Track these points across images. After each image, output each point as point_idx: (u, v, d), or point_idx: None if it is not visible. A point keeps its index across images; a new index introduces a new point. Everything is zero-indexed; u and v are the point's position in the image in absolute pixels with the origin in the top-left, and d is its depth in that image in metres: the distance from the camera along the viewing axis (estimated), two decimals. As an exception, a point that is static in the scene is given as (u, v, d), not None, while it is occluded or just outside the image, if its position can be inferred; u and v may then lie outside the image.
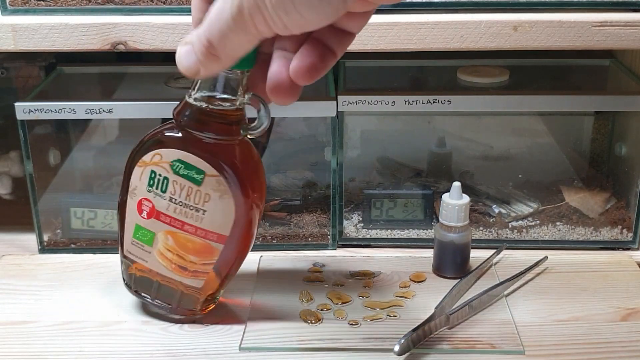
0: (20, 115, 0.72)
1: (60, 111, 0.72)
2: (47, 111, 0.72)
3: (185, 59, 0.49)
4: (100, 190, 0.82)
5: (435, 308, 0.62)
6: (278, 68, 0.48)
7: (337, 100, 0.72)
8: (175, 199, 0.58)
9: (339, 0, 0.40)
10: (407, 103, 0.72)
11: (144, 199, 0.59)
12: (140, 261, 0.61)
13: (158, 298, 0.62)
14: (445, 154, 0.83)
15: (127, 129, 0.84)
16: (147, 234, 0.60)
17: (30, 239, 0.78)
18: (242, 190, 0.57)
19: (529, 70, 0.85)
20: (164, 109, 0.73)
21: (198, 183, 0.57)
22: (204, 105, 0.56)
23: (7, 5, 0.67)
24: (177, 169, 0.57)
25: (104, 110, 0.72)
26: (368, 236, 0.78)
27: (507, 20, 0.65)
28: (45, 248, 0.77)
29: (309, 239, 0.77)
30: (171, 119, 0.58)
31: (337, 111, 0.72)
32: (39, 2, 0.68)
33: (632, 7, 0.67)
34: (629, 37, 0.66)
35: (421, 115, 0.83)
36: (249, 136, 0.58)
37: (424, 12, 0.66)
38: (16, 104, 0.72)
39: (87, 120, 0.84)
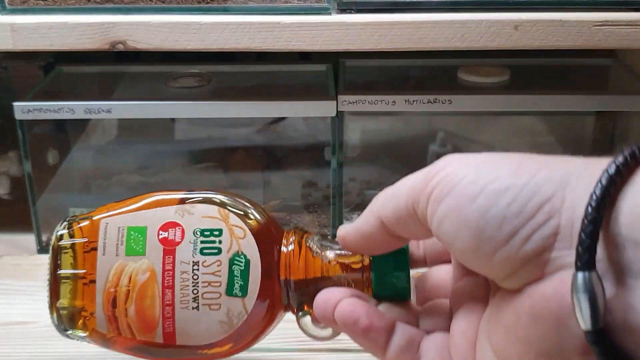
0: (18, 115, 0.72)
1: (59, 111, 0.72)
2: (46, 111, 0.72)
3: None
4: (100, 191, 0.82)
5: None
6: None
7: (337, 100, 0.72)
8: (197, 270, 0.44)
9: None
10: (407, 103, 0.72)
11: (181, 229, 0.45)
12: None
13: None
14: (445, 153, 0.83)
15: (126, 129, 0.84)
16: (139, 243, 0.45)
17: (29, 239, 0.77)
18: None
19: (530, 70, 0.85)
20: (164, 109, 0.73)
21: (230, 292, 0.44)
22: None
23: (6, 4, 0.67)
24: (235, 263, 0.45)
25: (103, 110, 0.72)
26: (368, 236, 0.78)
27: (508, 20, 0.65)
28: (44, 248, 0.77)
29: (309, 239, 0.77)
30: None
31: (337, 111, 0.72)
32: (37, 2, 0.67)
33: (634, 6, 0.67)
34: (630, 37, 0.65)
35: (421, 115, 0.83)
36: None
37: (424, 11, 0.66)
38: (15, 103, 0.72)
39: (86, 120, 0.84)
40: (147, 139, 0.85)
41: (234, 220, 0.45)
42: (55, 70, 0.83)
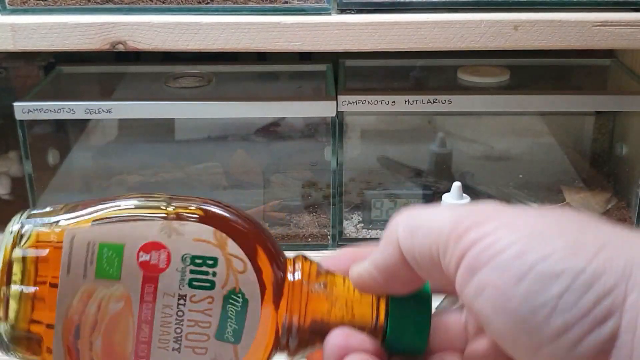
0: (19, 115, 0.72)
1: (59, 111, 0.72)
2: (46, 111, 0.72)
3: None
4: (100, 191, 0.82)
5: (436, 308, 0.62)
6: None
7: (337, 100, 0.72)
8: (183, 306, 0.37)
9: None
10: (407, 103, 0.72)
11: (167, 253, 0.37)
12: None
13: None
14: (445, 154, 0.83)
15: (126, 129, 0.84)
16: (112, 265, 0.37)
17: (29, 239, 0.77)
18: None
19: (530, 70, 0.85)
20: (164, 109, 0.73)
21: (220, 336, 0.38)
22: None
23: (6, 4, 0.67)
24: (231, 302, 0.37)
25: (103, 110, 0.72)
26: (368, 236, 0.78)
27: (507, 20, 0.65)
28: (45, 248, 0.77)
29: (309, 239, 0.77)
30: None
31: (337, 111, 0.72)
32: (38, 2, 0.67)
33: (633, 6, 0.67)
34: (629, 37, 0.65)
35: (421, 115, 0.83)
36: None
37: (424, 12, 0.66)
38: (15, 103, 0.72)
39: (86, 120, 0.84)
40: (147, 139, 0.85)
41: (233, 248, 0.36)
42: (55, 70, 0.83)
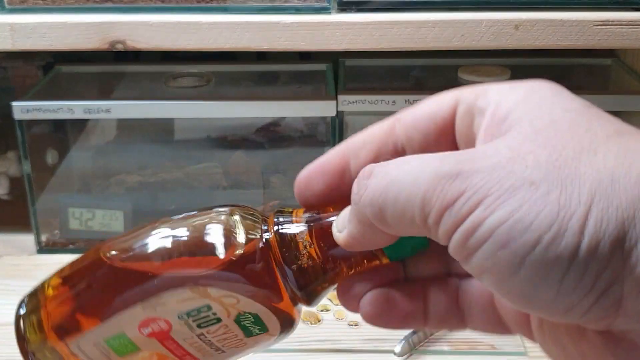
0: (17, 115, 0.72)
1: (58, 111, 0.72)
2: (45, 111, 0.71)
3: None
4: (99, 191, 0.82)
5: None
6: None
7: (337, 100, 0.72)
8: (205, 337, 0.39)
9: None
10: (407, 102, 0.72)
11: (163, 320, 0.39)
12: None
13: None
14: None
15: (125, 129, 0.84)
16: (127, 346, 0.39)
17: (28, 240, 0.77)
18: None
19: (530, 70, 0.84)
20: (163, 109, 0.73)
21: (250, 335, 0.39)
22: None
23: (5, 4, 0.67)
24: (243, 320, 0.39)
25: (102, 110, 0.72)
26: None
27: (508, 19, 0.65)
28: (44, 248, 0.77)
29: (309, 240, 0.77)
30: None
31: (337, 111, 0.72)
32: (36, 1, 0.67)
33: (634, 6, 0.67)
34: (631, 36, 0.65)
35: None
36: None
37: (425, 11, 0.66)
38: (14, 103, 0.72)
39: (85, 120, 0.84)
40: (146, 139, 0.85)
41: (217, 292, 0.37)
42: (54, 70, 0.83)
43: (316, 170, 0.37)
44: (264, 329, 0.38)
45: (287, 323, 0.39)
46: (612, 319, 0.26)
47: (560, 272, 0.25)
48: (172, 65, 0.84)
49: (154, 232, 0.38)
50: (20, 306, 0.41)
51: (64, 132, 0.84)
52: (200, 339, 0.38)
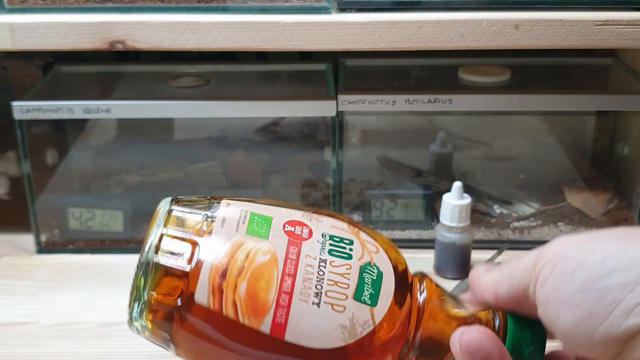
0: (17, 115, 0.72)
1: (58, 111, 0.72)
2: (45, 111, 0.71)
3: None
4: (99, 191, 0.82)
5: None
6: None
7: (337, 99, 0.72)
8: (324, 268, 0.39)
9: None
10: (407, 102, 0.72)
11: (309, 228, 0.41)
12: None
13: None
14: (446, 153, 0.83)
15: (125, 129, 0.84)
16: (262, 225, 0.41)
17: (27, 240, 0.77)
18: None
19: (531, 70, 0.84)
20: (163, 109, 0.73)
21: (358, 298, 0.39)
22: None
23: (5, 4, 0.67)
24: (366, 272, 0.40)
25: (102, 110, 0.71)
26: (368, 237, 0.77)
27: (508, 19, 0.65)
28: (43, 248, 0.76)
29: (309, 240, 0.77)
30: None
31: (337, 111, 0.72)
32: (36, 1, 0.67)
33: (634, 5, 0.67)
34: (631, 36, 0.65)
35: (422, 114, 0.83)
36: None
37: (425, 11, 0.66)
38: (13, 103, 0.71)
39: (85, 120, 0.84)
40: (146, 139, 0.84)
41: (366, 237, 0.41)
42: (54, 70, 0.83)
43: None
44: (374, 298, 0.39)
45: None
46: None
47: (609, 268, 0.31)
48: (172, 65, 0.84)
49: None
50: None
51: (64, 132, 0.84)
52: (319, 268, 0.39)
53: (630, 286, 0.29)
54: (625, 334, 0.29)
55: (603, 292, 0.30)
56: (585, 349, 0.32)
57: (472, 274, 0.41)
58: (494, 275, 0.38)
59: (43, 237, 0.77)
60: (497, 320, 0.39)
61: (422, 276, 0.43)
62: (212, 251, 0.39)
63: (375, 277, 0.39)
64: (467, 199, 0.68)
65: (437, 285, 0.43)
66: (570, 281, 0.31)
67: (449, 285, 0.67)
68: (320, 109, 0.72)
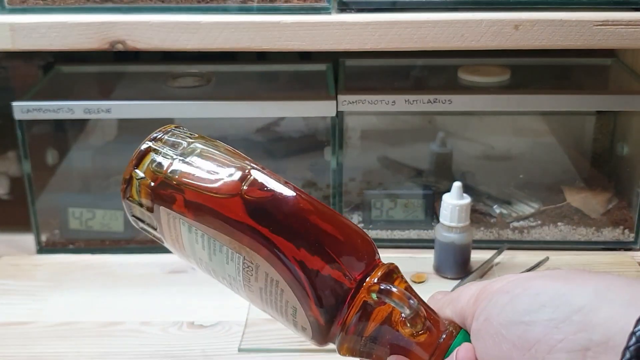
0: (18, 115, 0.72)
1: (58, 111, 0.72)
2: (45, 111, 0.71)
3: None
4: (99, 191, 0.82)
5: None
6: None
7: (337, 100, 0.72)
8: None
9: None
10: (407, 102, 0.72)
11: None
12: None
13: None
14: (445, 153, 0.83)
15: (125, 129, 0.84)
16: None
17: (28, 239, 0.77)
18: None
19: (530, 70, 0.84)
20: (163, 109, 0.73)
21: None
22: None
23: (5, 4, 0.67)
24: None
25: (102, 110, 0.72)
26: (368, 236, 0.77)
27: (508, 19, 0.65)
28: (44, 248, 0.77)
29: (309, 240, 0.77)
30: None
31: (337, 111, 0.72)
32: (37, 1, 0.67)
33: (633, 6, 0.67)
34: (630, 36, 0.65)
35: (422, 114, 0.83)
36: None
37: (425, 11, 0.66)
38: (14, 103, 0.72)
39: (85, 120, 0.84)
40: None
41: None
42: (54, 70, 0.83)
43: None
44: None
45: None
46: None
47: (537, 304, 0.32)
48: (172, 65, 0.84)
49: None
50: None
51: (64, 132, 0.84)
52: None
53: (555, 323, 0.30)
54: None
55: (529, 326, 0.30)
56: None
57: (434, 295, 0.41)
58: (441, 297, 0.39)
59: (43, 237, 0.77)
60: (446, 334, 0.39)
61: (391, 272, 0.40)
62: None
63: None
64: (466, 199, 0.68)
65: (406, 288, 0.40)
66: (501, 313, 0.32)
67: (449, 285, 0.68)
68: (320, 109, 0.72)
